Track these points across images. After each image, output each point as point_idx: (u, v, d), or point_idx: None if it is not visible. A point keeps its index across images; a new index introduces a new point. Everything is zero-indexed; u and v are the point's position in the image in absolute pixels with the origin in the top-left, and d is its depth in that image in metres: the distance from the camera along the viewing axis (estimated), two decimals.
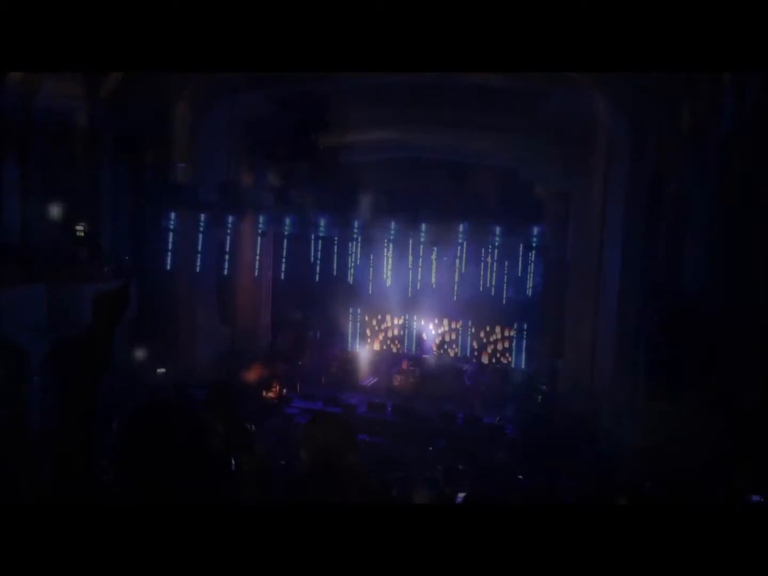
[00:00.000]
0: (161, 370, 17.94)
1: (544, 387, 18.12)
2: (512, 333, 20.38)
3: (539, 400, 17.78)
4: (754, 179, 9.67)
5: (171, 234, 17.44)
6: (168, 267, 17.70)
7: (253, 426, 17.70)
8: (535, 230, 15.61)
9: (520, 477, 13.70)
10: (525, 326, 19.81)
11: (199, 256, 17.58)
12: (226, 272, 17.40)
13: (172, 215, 17.14)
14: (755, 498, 5.45)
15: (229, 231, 17.33)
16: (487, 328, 20.69)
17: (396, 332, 21.73)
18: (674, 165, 14.63)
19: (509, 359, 20.40)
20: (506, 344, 20.57)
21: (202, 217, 16.99)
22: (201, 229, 17.23)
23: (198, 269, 17.83)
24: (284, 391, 19.21)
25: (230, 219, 16.99)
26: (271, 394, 18.94)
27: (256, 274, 18.78)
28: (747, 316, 9.26)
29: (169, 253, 17.54)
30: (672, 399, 9.29)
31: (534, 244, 15.77)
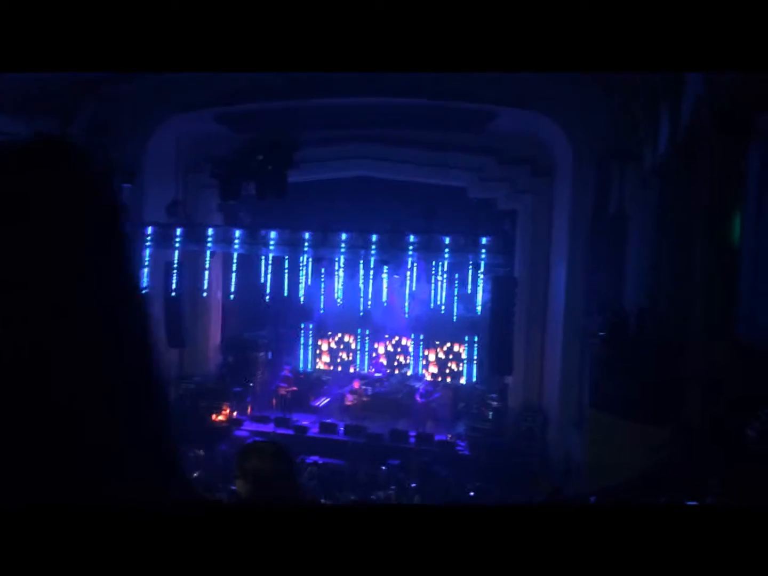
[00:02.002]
0: None
1: (495, 403, 18.26)
2: (463, 350, 20.52)
3: (490, 417, 17.91)
4: (692, 198, 10.02)
5: None
6: None
7: (201, 451, 17.23)
8: (484, 248, 15.80)
9: (472, 494, 13.77)
10: (476, 342, 19.99)
11: (145, 276, 17.23)
12: (173, 293, 17.08)
13: None
14: (691, 503, 5.59)
15: (176, 251, 17.05)
16: (438, 345, 20.81)
17: (348, 351, 21.66)
18: (616, 185, 15.07)
19: (461, 376, 20.52)
20: (457, 361, 20.70)
21: (149, 236, 16.68)
22: (148, 248, 16.90)
23: (144, 290, 17.47)
24: (235, 413, 18.92)
25: (178, 238, 16.72)
26: (221, 417, 18.63)
27: (205, 294, 18.50)
28: (687, 330, 9.55)
29: None
30: (618, 413, 9.48)
31: (483, 262, 15.95)
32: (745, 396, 7.20)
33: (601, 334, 10.34)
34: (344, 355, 21.58)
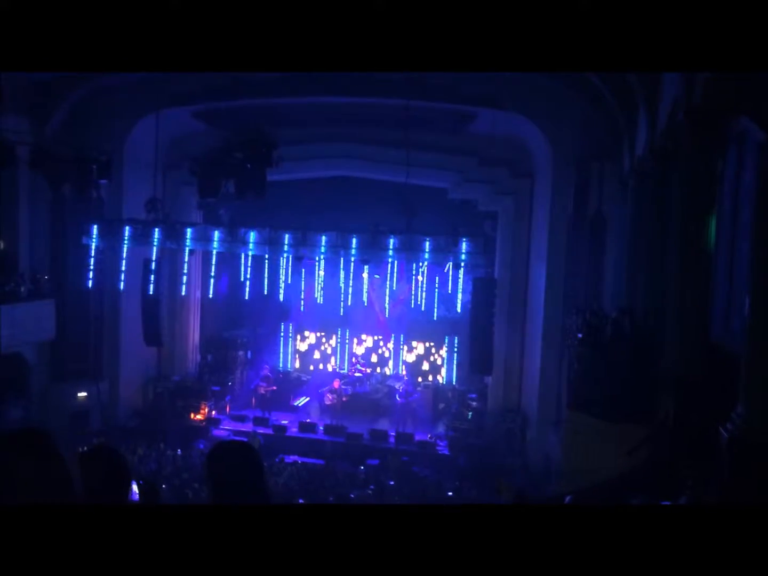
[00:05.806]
0: (82, 394, 17.27)
1: (474, 403, 18.30)
2: (443, 350, 20.55)
3: (470, 417, 17.94)
4: (668, 200, 10.10)
5: (94, 252, 16.86)
6: (90, 286, 17.09)
7: (179, 450, 17.10)
8: (464, 248, 15.79)
9: (450, 494, 13.79)
10: (456, 343, 20.02)
11: (123, 274, 17.03)
12: (151, 291, 16.89)
13: (95, 233, 16.54)
14: (665, 503, 5.63)
15: (155, 249, 16.85)
16: (417, 345, 20.80)
17: (328, 350, 21.59)
18: (595, 187, 15.18)
19: (440, 376, 20.54)
20: (438, 361, 20.72)
21: (128, 234, 16.46)
22: (126, 247, 16.68)
23: (122, 288, 17.29)
24: (213, 412, 18.80)
25: (156, 236, 16.52)
26: (199, 416, 18.50)
27: (184, 292, 18.33)
28: (662, 332, 9.62)
29: (92, 272, 16.94)
30: (594, 414, 9.53)
31: (463, 262, 15.95)
32: (719, 397, 7.27)
33: (579, 335, 10.39)
34: (324, 355, 21.51)
